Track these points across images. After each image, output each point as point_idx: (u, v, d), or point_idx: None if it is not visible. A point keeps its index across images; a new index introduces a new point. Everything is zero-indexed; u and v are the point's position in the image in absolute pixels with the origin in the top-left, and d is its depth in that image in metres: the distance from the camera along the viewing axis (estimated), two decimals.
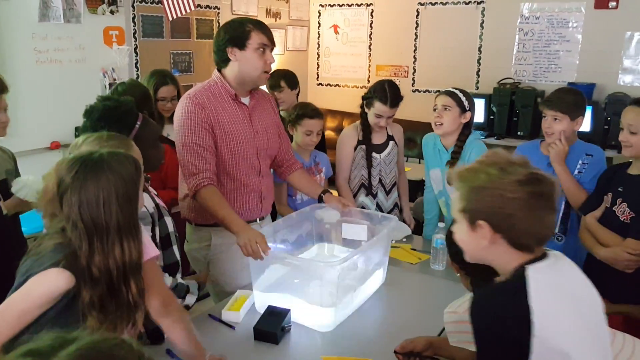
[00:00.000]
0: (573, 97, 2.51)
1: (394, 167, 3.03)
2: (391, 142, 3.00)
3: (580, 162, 2.49)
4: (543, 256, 1.27)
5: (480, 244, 1.29)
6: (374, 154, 2.93)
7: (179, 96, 3.22)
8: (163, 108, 3.16)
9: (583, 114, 2.51)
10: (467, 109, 2.69)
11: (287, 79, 3.48)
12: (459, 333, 1.55)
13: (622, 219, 2.16)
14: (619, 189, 2.21)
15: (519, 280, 1.22)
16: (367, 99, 2.85)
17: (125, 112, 1.94)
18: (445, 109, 2.67)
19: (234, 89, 2.27)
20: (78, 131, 3.91)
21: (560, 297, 1.23)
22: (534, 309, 1.16)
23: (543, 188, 1.24)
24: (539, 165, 2.52)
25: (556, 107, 2.47)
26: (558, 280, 1.26)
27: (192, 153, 2.19)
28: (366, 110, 2.87)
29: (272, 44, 2.27)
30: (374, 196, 2.98)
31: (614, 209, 2.20)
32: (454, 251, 1.57)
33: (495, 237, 1.26)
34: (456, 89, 2.74)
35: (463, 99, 2.69)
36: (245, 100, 2.33)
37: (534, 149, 2.64)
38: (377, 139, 2.96)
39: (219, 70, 2.30)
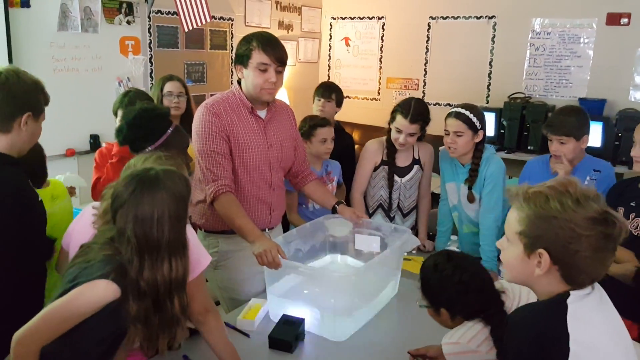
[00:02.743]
0: (575, 119, 2.49)
1: (415, 191, 2.95)
2: (416, 167, 2.91)
3: (588, 178, 2.49)
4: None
5: (531, 270, 1.23)
6: (395, 177, 2.88)
7: (187, 96, 3.32)
8: (170, 104, 3.20)
9: (588, 132, 2.51)
10: (479, 127, 2.61)
11: (338, 93, 3.63)
12: None
13: (635, 234, 2.16)
14: (632, 204, 2.21)
15: (559, 304, 1.19)
16: (392, 113, 2.79)
17: (159, 116, 2.04)
18: (458, 135, 2.60)
19: (250, 101, 2.31)
20: (92, 139, 3.99)
21: (606, 331, 1.21)
22: (571, 336, 1.14)
23: (613, 230, 1.18)
24: (547, 180, 2.57)
25: (560, 131, 2.47)
26: (603, 314, 1.23)
27: (210, 160, 2.23)
28: (390, 124, 2.81)
29: (277, 63, 2.20)
30: (391, 219, 2.94)
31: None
32: (432, 290, 1.63)
33: (551, 268, 1.22)
34: (465, 107, 2.64)
35: (474, 120, 2.59)
36: (262, 113, 2.36)
37: (544, 164, 2.66)
38: (402, 160, 2.89)
39: (239, 83, 2.34)
